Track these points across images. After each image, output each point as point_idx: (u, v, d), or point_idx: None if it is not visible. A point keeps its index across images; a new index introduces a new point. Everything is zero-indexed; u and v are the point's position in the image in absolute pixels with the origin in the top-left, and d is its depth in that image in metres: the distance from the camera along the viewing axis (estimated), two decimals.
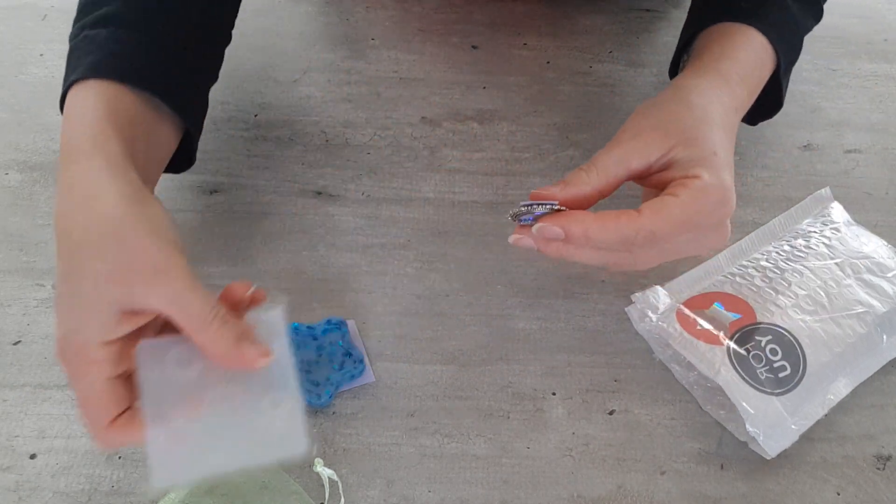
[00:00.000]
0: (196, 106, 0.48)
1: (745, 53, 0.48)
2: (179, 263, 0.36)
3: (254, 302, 0.39)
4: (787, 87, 0.53)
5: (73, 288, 0.36)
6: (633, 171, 0.43)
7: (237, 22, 0.63)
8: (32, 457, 0.44)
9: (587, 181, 0.42)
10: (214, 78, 0.51)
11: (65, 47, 0.66)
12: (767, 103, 0.53)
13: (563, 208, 0.41)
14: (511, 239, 0.42)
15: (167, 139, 0.46)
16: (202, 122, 0.49)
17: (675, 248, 0.42)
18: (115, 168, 0.38)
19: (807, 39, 0.69)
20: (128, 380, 0.37)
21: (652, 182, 0.44)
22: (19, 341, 0.48)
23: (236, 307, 0.38)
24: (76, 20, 0.47)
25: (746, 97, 0.48)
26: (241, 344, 0.36)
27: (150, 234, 0.36)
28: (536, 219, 0.41)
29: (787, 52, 0.51)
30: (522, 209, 0.41)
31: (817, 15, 0.55)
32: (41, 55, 0.66)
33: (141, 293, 0.35)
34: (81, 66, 0.43)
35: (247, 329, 0.36)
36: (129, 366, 0.37)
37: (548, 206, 0.41)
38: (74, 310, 0.36)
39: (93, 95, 0.42)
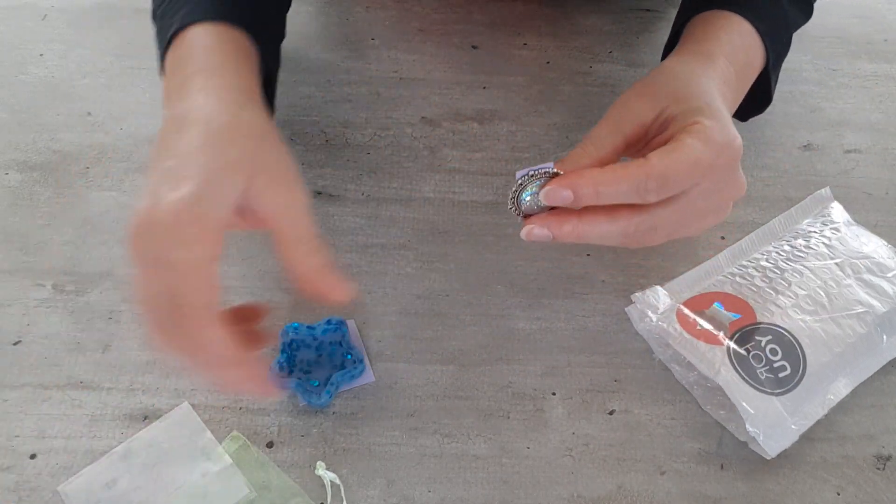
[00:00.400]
0: (277, 53, 0.51)
1: (729, 35, 0.48)
2: (302, 187, 0.38)
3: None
4: (776, 81, 0.53)
5: (200, 162, 0.35)
6: (629, 137, 0.42)
7: None
8: (32, 457, 0.44)
9: (584, 155, 0.41)
10: (282, 34, 0.54)
11: (65, 47, 0.67)
12: (757, 98, 0.53)
13: (560, 172, 0.40)
14: (523, 232, 0.40)
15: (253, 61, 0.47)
16: (278, 68, 0.51)
17: (694, 205, 0.41)
18: (255, 87, 0.42)
19: (807, 39, 0.69)
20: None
21: (651, 147, 0.43)
22: (19, 341, 0.48)
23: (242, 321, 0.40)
24: None
25: (734, 76, 0.47)
26: (329, 270, 0.37)
27: (287, 152, 0.39)
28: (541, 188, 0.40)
29: (775, 45, 0.50)
30: (520, 182, 0.40)
31: (807, 12, 0.55)
32: (41, 55, 0.66)
33: (263, 191, 0.36)
34: (177, 20, 0.44)
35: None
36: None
37: (545, 172, 0.39)
38: (199, 179, 0.34)
39: (204, 34, 0.43)
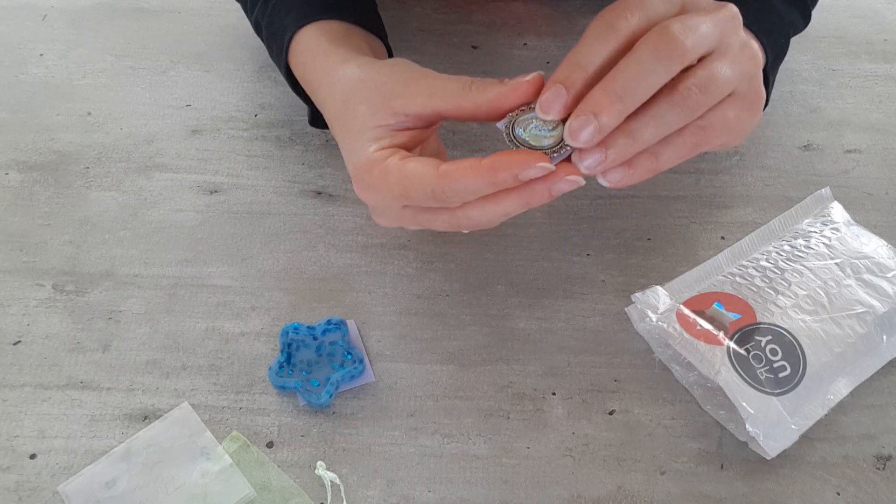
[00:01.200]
0: (378, 22, 0.55)
1: None
2: (418, 70, 0.41)
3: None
4: (773, 83, 0.53)
5: (346, 135, 0.42)
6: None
7: (235, 22, 0.63)
8: (32, 457, 0.44)
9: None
10: (380, 21, 0.56)
11: (65, 47, 0.67)
12: None
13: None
14: (562, 183, 0.37)
15: (380, 47, 0.53)
16: (385, 34, 0.55)
17: (722, 77, 0.37)
18: (354, 55, 0.46)
19: (807, 39, 0.69)
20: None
21: None
22: (19, 341, 0.48)
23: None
24: (252, 3, 0.55)
25: None
26: (506, 82, 0.38)
27: (389, 67, 0.43)
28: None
29: (772, 44, 0.50)
30: (507, 124, 0.37)
31: (805, 15, 0.55)
32: (41, 55, 0.66)
33: (402, 105, 0.40)
34: (289, 23, 0.50)
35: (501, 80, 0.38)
36: (421, 142, 0.43)
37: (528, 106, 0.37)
38: (349, 150, 0.42)
39: (314, 35, 0.49)
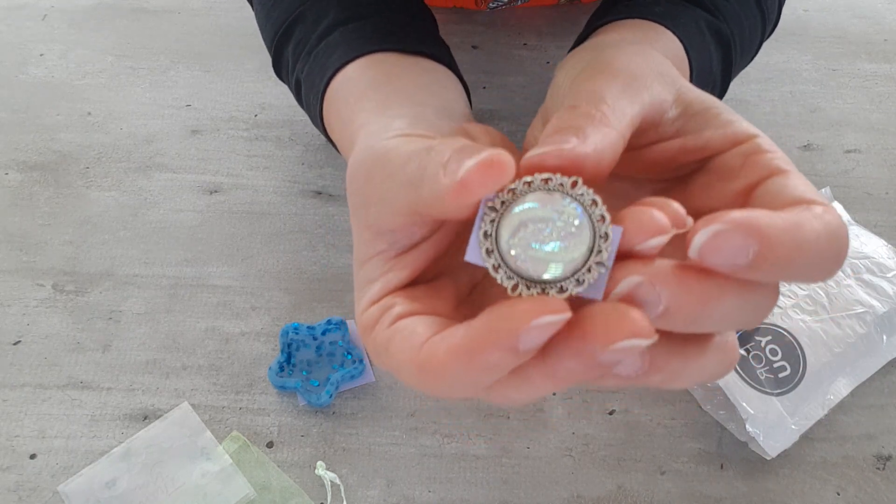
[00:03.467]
0: (442, 48, 0.43)
1: (663, 44, 0.39)
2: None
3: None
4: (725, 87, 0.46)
5: (355, 252, 0.29)
6: (646, 116, 0.27)
7: (235, 22, 0.63)
8: (32, 457, 0.44)
9: (607, 122, 0.25)
10: (441, 42, 0.44)
11: (64, 47, 0.67)
12: None
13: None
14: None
15: (448, 79, 0.40)
16: (453, 61, 0.42)
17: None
18: (403, 104, 0.34)
19: (807, 39, 0.69)
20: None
21: (653, 156, 0.28)
22: (19, 341, 0.48)
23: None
24: (298, 53, 0.44)
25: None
26: (455, 157, 0.23)
27: (408, 139, 0.29)
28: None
29: (699, 82, 0.42)
30: (488, 216, 0.22)
31: (725, 84, 0.46)
32: (41, 55, 0.66)
33: (377, 217, 0.27)
34: (331, 64, 0.40)
35: (466, 145, 0.24)
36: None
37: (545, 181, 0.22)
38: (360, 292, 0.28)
39: (359, 70, 0.38)
